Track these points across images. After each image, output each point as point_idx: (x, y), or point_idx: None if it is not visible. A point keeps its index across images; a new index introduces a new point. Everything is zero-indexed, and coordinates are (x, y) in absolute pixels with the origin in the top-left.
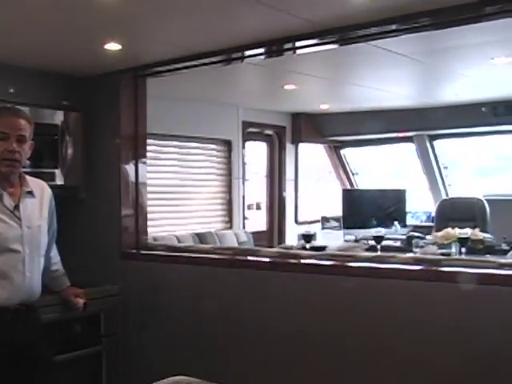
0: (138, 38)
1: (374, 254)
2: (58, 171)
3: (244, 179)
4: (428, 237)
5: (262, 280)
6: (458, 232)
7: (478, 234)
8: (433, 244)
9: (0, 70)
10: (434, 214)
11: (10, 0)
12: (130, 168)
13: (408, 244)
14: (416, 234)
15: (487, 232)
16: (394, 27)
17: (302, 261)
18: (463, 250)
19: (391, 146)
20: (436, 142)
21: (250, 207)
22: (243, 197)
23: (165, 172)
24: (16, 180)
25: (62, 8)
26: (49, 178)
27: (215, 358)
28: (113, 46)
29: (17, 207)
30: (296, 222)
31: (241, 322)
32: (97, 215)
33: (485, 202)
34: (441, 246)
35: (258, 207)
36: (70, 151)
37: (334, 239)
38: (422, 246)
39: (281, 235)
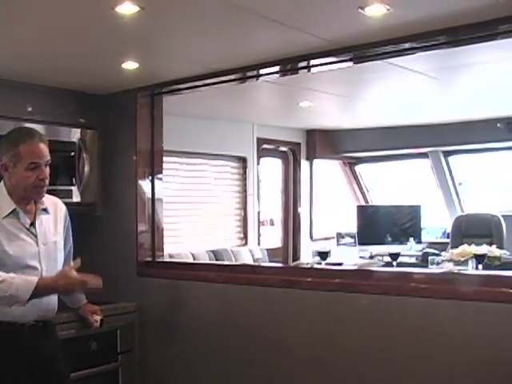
0: (155, 57)
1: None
2: (74, 188)
3: (259, 196)
4: (444, 253)
5: (278, 298)
6: (474, 249)
7: (495, 250)
8: (449, 261)
9: (18, 89)
10: (449, 231)
11: (30, 19)
12: (146, 184)
13: (424, 261)
14: (431, 251)
15: (504, 248)
16: (408, 45)
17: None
18: (480, 266)
19: (405, 162)
20: (451, 158)
21: (263, 223)
22: (258, 213)
23: (180, 189)
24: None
25: (80, 27)
26: (65, 195)
27: (235, 377)
28: (130, 65)
29: (32, 224)
30: (311, 238)
31: (261, 341)
32: (113, 232)
33: (501, 218)
34: (457, 263)
35: (272, 223)
36: (86, 168)
37: (348, 256)
38: (438, 263)
39: (296, 252)
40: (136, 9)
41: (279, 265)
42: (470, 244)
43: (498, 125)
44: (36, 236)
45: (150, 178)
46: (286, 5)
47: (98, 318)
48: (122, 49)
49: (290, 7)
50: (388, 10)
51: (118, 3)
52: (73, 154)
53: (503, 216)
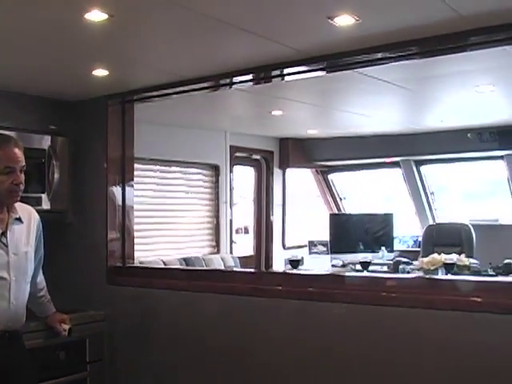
0: (125, 65)
1: None
2: (44, 196)
3: (232, 204)
4: (415, 262)
5: (250, 307)
6: (444, 257)
7: (464, 259)
8: (419, 269)
9: None
10: (420, 239)
11: None
12: (117, 192)
13: (395, 269)
14: (403, 260)
15: (473, 257)
16: (380, 55)
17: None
18: (449, 275)
19: (378, 170)
20: (423, 168)
21: (237, 231)
22: (230, 221)
23: (151, 197)
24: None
25: (49, 33)
26: (35, 202)
27: None
28: (100, 72)
29: (4, 234)
30: (283, 246)
31: (229, 349)
32: (83, 239)
33: (471, 228)
34: (427, 272)
35: (246, 231)
36: (56, 176)
37: (321, 264)
38: (408, 272)
39: (268, 260)
40: (105, 16)
41: (251, 270)
42: (440, 253)
43: (469, 135)
44: (7, 246)
45: (121, 185)
46: (256, 14)
47: (67, 326)
48: (91, 56)
49: (259, 17)
50: (357, 20)
51: (87, 10)
52: (43, 161)
53: (473, 225)
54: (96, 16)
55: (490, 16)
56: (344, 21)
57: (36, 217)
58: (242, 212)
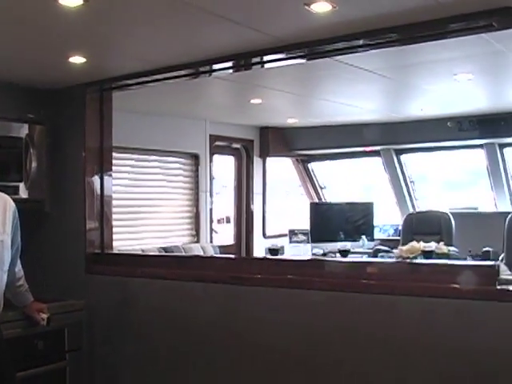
0: (103, 52)
1: None
2: (22, 185)
3: (211, 193)
4: (394, 250)
5: (229, 294)
6: (422, 245)
7: (443, 247)
8: (398, 257)
9: None
10: (400, 228)
11: None
12: (95, 181)
13: (374, 258)
14: (382, 248)
15: (453, 245)
16: (361, 42)
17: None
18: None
19: (359, 159)
20: (403, 156)
21: (220, 221)
22: (210, 210)
23: (131, 186)
24: None
25: (23, 19)
26: (13, 191)
27: (184, 374)
28: (77, 60)
29: None
30: (264, 235)
31: (211, 338)
32: (62, 229)
33: (450, 216)
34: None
35: (228, 220)
36: (34, 164)
37: (301, 253)
38: None
39: (248, 249)
40: (80, 2)
41: (230, 256)
42: (419, 241)
43: (449, 124)
44: None
45: (99, 174)
46: (233, 1)
47: (45, 316)
48: (67, 43)
49: (236, 4)
50: (334, 7)
51: None
52: (20, 149)
53: (453, 214)
54: (71, 1)
55: (467, 3)
56: (321, 7)
57: (11, 204)
58: (224, 201)
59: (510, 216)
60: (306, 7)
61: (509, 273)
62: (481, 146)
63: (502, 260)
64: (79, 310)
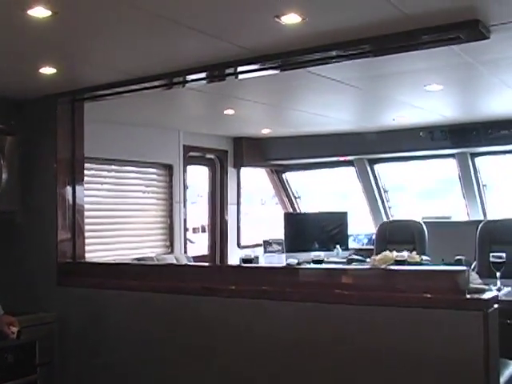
0: (73, 63)
1: None
2: None
3: (185, 203)
4: (368, 260)
5: (202, 306)
6: (395, 255)
7: (415, 256)
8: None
9: None
10: (374, 237)
11: None
12: (67, 192)
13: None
14: (356, 257)
15: (426, 254)
16: (333, 53)
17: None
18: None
19: (333, 169)
20: (378, 166)
21: (195, 230)
22: (184, 221)
23: (104, 197)
24: None
25: None
26: None
27: None
28: (47, 70)
29: None
30: (238, 245)
31: (181, 349)
32: (33, 240)
33: (423, 225)
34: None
35: (204, 230)
36: (4, 175)
37: (276, 263)
38: None
39: (223, 259)
40: (49, 13)
41: (204, 264)
42: (392, 250)
43: (421, 133)
44: None
45: (71, 185)
46: (204, 14)
47: (15, 329)
48: (37, 54)
49: (207, 17)
50: (304, 19)
51: (29, 7)
52: None
53: (426, 223)
54: (39, 12)
55: (435, 16)
56: (291, 19)
57: None
58: (200, 211)
59: (481, 225)
60: (277, 19)
61: (479, 281)
62: (453, 155)
63: (473, 268)
64: (50, 323)
